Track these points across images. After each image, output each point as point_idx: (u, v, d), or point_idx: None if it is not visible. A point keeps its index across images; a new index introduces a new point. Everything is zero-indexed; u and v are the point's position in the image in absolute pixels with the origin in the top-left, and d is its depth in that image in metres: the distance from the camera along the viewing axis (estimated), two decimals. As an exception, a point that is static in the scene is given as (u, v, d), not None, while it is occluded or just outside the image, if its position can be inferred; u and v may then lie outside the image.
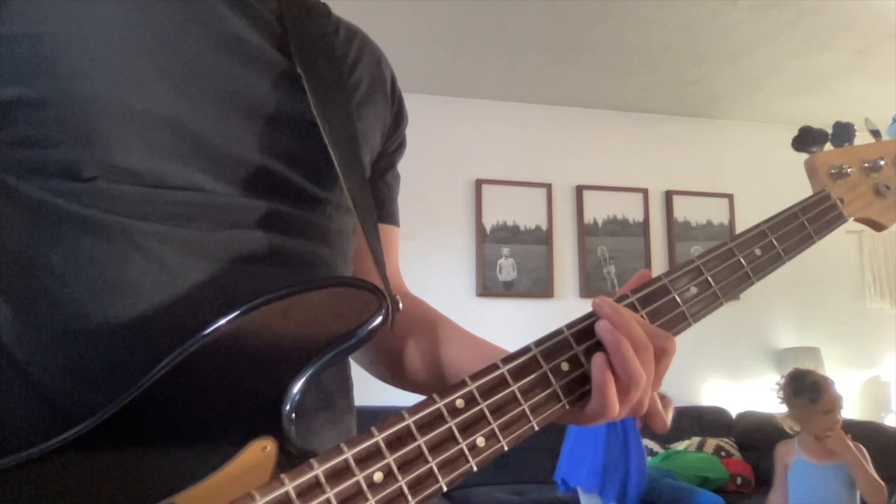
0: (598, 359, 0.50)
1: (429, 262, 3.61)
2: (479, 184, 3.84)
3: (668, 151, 4.19)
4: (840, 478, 2.24)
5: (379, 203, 0.73)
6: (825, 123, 0.70)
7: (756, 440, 3.58)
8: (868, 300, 4.29)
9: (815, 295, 4.17)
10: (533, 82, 3.78)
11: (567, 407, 0.50)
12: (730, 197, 4.19)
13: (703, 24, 3.13)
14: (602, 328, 0.50)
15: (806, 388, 2.29)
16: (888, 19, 3.07)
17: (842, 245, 4.26)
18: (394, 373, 0.70)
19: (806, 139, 0.67)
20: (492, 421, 0.47)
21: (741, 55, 3.45)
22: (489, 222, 3.83)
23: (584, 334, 0.52)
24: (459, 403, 0.47)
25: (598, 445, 2.59)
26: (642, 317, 0.54)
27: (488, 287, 3.74)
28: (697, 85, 3.81)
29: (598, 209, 4.01)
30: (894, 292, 4.30)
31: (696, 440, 3.59)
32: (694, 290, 0.56)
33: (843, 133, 0.68)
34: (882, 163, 0.68)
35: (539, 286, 3.83)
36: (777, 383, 2.44)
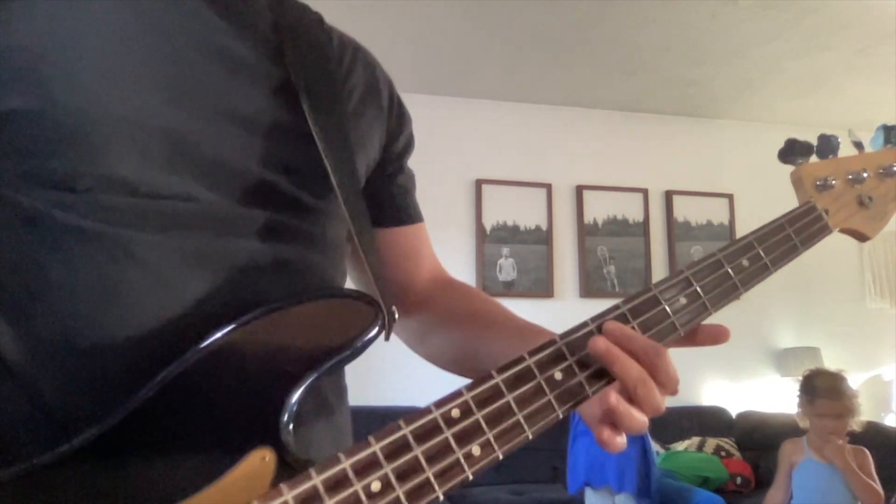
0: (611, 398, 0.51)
1: (429, 262, 3.61)
2: (479, 184, 3.85)
3: (668, 151, 4.19)
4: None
5: (399, 205, 0.75)
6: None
7: (756, 440, 3.59)
8: (868, 300, 4.30)
9: (815, 295, 4.17)
10: (533, 82, 3.78)
11: (561, 416, 0.51)
12: (730, 197, 4.19)
13: (703, 24, 3.14)
14: (618, 370, 0.51)
15: (812, 389, 2.29)
16: (888, 19, 3.07)
17: (842, 245, 4.21)
18: (460, 368, 0.71)
19: (791, 151, 0.69)
20: (487, 431, 0.48)
21: (741, 55, 3.45)
22: (489, 222, 3.84)
23: (576, 345, 0.52)
24: (455, 413, 0.47)
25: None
26: (633, 328, 0.54)
27: (488, 287, 3.74)
28: (697, 85, 3.81)
29: (598, 209, 4.01)
30: (894, 292, 4.30)
31: (696, 440, 3.60)
32: (683, 300, 0.57)
33: (827, 145, 0.69)
34: (865, 175, 0.70)
35: (539, 286, 3.84)
36: (798, 379, 2.44)
